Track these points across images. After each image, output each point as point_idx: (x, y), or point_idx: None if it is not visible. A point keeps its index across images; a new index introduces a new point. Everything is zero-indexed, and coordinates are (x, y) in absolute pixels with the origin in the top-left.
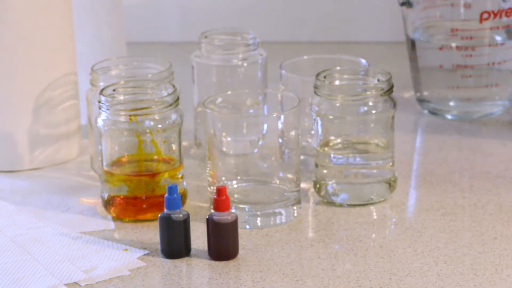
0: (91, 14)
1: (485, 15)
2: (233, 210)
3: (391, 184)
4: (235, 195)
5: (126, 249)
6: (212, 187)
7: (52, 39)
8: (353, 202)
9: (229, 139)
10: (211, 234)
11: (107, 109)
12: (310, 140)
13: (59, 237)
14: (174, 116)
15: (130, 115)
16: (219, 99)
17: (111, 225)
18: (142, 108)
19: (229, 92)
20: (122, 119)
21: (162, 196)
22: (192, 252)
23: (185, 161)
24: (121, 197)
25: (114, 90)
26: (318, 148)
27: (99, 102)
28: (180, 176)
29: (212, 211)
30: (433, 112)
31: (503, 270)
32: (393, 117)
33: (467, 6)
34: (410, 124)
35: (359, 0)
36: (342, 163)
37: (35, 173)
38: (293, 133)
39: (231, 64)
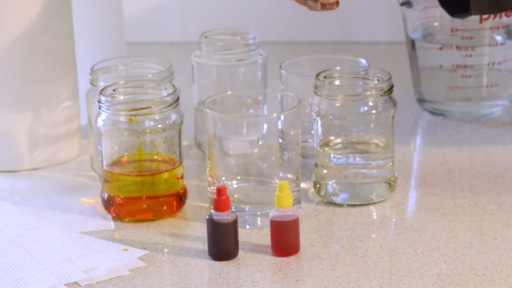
0: (91, 14)
1: (485, 15)
2: (233, 210)
3: (391, 184)
4: (235, 195)
5: (126, 249)
6: (212, 187)
7: (52, 39)
8: (353, 202)
9: (229, 139)
10: (211, 234)
11: (107, 109)
12: (310, 140)
13: (59, 237)
14: (174, 116)
15: (130, 115)
16: (219, 99)
17: (111, 225)
18: (142, 108)
19: (229, 92)
20: (122, 119)
21: (162, 196)
22: (192, 252)
23: (185, 161)
24: (121, 197)
25: (114, 90)
26: (318, 148)
27: (99, 102)
28: (180, 176)
29: (212, 211)
30: (433, 112)
31: (503, 270)
32: (393, 117)
33: None
34: (410, 124)
35: (359, 0)
36: (342, 163)
37: (35, 173)
38: (293, 133)
39: (231, 64)
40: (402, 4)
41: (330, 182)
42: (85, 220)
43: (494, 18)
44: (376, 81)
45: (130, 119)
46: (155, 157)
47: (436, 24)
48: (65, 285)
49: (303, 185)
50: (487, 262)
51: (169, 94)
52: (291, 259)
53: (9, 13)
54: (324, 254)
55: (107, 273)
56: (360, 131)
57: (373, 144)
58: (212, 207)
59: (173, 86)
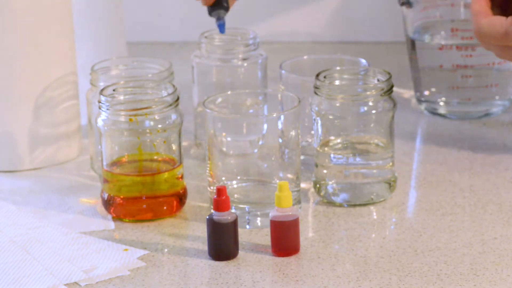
0: (91, 14)
1: None
2: (233, 210)
3: (391, 184)
4: (235, 195)
5: (126, 249)
6: (212, 187)
7: (52, 39)
8: (353, 202)
9: (229, 139)
10: (211, 234)
11: (107, 109)
12: (310, 140)
13: (59, 237)
14: (174, 116)
15: (130, 115)
16: (219, 99)
17: (111, 225)
18: (142, 108)
19: (229, 92)
20: (122, 119)
21: (162, 196)
22: (192, 252)
23: (185, 161)
24: (121, 197)
25: (114, 90)
26: (318, 148)
27: (99, 102)
28: (180, 176)
29: (212, 211)
30: (433, 112)
31: (503, 270)
32: (393, 117)
33: (467, 6)
34: (410, 124)
35: (359, 0)
36: (342, 163)
37: (35, 173)
38: (293, 133)
39: (231, 64)
40: (402, 4)
41: (330, 182)
42: (85, 220)
43: None
44: (376, 81)
45: (130, 119)
46: (155, 157)
47: (436, 24)
48: (65, 285)
49: (303, 185)
50: (487, 262)
51: (169, 94)
52: (291, 259)
53: (9, 13)
54: (324, 254)
55: (107, 273)
56: (360, 131)
57: (373, 144)
58: (212, 207)
59: (173, 86)
